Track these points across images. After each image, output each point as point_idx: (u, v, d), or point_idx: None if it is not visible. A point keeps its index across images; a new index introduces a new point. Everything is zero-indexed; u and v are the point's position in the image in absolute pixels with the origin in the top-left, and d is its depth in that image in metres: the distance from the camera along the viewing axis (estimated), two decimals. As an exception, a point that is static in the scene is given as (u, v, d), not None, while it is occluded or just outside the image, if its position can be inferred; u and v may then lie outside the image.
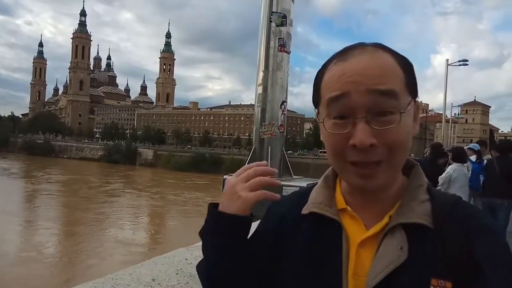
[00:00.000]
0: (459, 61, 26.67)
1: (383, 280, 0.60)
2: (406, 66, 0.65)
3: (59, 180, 46.16)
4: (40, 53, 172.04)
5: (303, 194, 0.75)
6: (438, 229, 0.62)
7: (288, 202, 0.76)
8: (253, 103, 3.20)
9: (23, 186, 40.07)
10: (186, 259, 1.31)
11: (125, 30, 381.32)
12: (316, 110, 0.69)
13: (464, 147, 7.11)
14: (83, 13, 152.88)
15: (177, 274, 1.20)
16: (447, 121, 39.00)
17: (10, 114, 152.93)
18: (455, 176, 5.70)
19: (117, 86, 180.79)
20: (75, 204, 30.20)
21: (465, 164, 5.99)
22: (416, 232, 0.63)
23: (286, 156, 3.12)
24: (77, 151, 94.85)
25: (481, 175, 6.37)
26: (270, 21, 2.92)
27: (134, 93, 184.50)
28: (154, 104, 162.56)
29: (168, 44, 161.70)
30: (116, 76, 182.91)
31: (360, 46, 0.65)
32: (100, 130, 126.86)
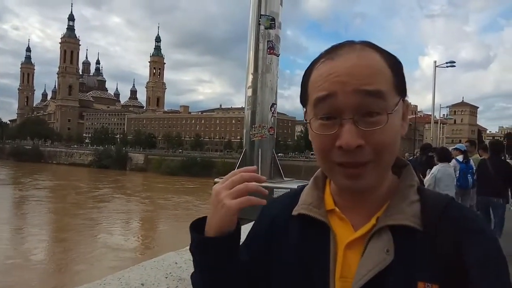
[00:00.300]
0: (446, 62, 26.97)
1: (368, 283, 0.59)
2: (394, 66, 0.64)
3: (48, 186, 45.61)
4: (28, 58, 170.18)
5: (294, 196, 0.75)
6: (427, 231, 0.61)
7: (280, 203, 0.76)
8: (244, 106, 3.20)
9: (11, 192, 39.44)
10: (176, 262, 1.30)
11: (114, 35, 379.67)
12: (304, 110, 0.68)
13: (450, 148, 7.23)
14: (71, 18, 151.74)
15: (166, 278, 1.19)
16: (436, 122, 39.49)
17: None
18: (439, 176, 5.79)
19: (107, 90, 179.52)
20: (64, 210, 29.88)
21: (450, 164, 6.07)
22: (404, 234, 0.61)
23: (276, 158, 3.12)
24: (67, 157, 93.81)
25: (468, 175, 6.52)
26: (259, 24, 2.93)
27: (124, 98, 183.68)
28: (144, 108, 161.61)
29: (157, 48, 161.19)
30: (105, 81, 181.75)
31: (348, 44, 0.64)
32: (90, 135, 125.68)
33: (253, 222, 0.79)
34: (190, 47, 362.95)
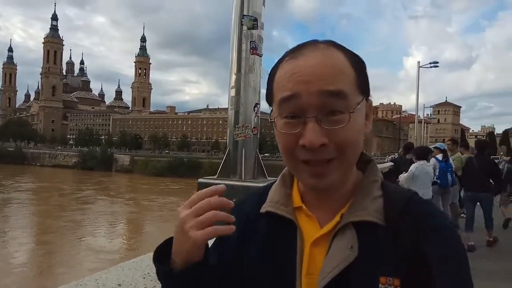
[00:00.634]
0: (430, 63, 27.50)
1: (333, 279, 0.60)
2: (357, 65, 0.65)
3: (30, 188, 44.87)
4: (10, 58, 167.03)
5: (262, 193, 0.75)
6: (389, 226, 0.62)
7: (250, 201, 0.76)
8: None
9: (-9, 195, 38.65)
10: (155, 263, 1.30)
11: (98, 34, 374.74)
12: (270, 108, 0.68)
13: (431, 146, 7.41)
14: (54, 17, 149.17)
15: (144, 278, 1.18)
16: (420, 121, 40.05)
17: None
18: (417, 174, 5.95)
19: (91, 91, 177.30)
20: (46, 212, 29.44)
21: (428, 163, 6.19)
22: (367, 230, 0.63)
23: (260, 158, 3.14)
24: (50, 159, 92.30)
25: (448, 173, 6.70)
26: (242, 25, 2.93)
27: (109, 98, 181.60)
28: (130, 109, 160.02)
29: (143, 48, 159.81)
30: (89, 81, 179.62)
31: (312, 43, 0.65)
32: (74, 137, 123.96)
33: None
34: (175, 47, 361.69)
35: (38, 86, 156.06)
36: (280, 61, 0.66)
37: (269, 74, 0.68)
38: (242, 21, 2.95)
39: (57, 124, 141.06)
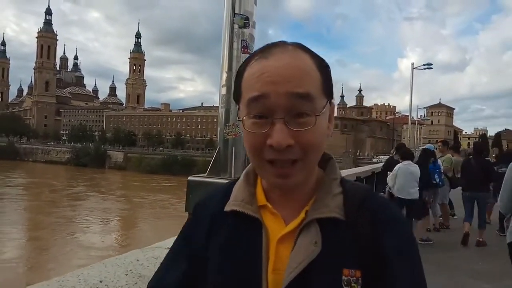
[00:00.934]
0: (424, 64, 27.69)
1: (299, 275, 0.62)
2: (323, 69, 0.67)
3: (22, 184, 44.50)
4: (3, 52, 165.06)
5: (225, 191, 0.75)
6: (349, 221, 0.66)
7: (214, 199, 0.76)
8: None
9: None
10: (138, 260, 1.30)
11: (92, 30, 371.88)
12: (238, 107, 0.69)
13: (420, 148, 7.65)
14: (48, 12, 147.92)
15: (126, 275, 1.18)
16: (413, 122, 40.38)
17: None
18: (399, 174, 6.17)
19: (85, 87, 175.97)
20: (37, 208, 29.31)
21: (413, 163, 6.33)
22: (330, 225, 0.65)
23: (250, 157, 3.14)
24: (43, 154, 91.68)
25: (436, 174, 6.84)
26: (233, 23, 2.94)
27: (103, 94, 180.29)
28: (124, 105, 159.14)
29: (138, 44, 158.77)
30: (83, 77, 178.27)
31: (282, 44, 0.66)
32: (67, 132, 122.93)
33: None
34: (171, 44, 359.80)
35: (31, 81, 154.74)
36: (248, 60, 0.67)
37: (237, 73, 0.68)
38: (233, 20, 2.96)
39: (50, 119, 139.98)
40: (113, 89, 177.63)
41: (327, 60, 0.69)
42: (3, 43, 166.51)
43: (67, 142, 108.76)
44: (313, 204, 0.68)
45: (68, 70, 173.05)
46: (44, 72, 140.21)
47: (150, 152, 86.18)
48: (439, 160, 7.33)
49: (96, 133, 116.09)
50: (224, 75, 3.05)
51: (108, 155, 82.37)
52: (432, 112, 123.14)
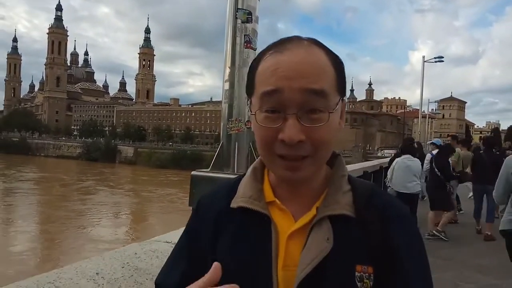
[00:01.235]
0: (435, 57, 27.25)
1: (312, 271, 0.62)
2: (338, 65, 0.67)
3: (33, 178, 45.18)
4: (15, 48, 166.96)
5: (231, 187, 0.75)
6: (359, 218, 0.66)
7: (220, 196, 0.75)
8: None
9: (-5, 185, 39.05)
10: (136, 253, 1.32)
11: (102, 25, 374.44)
12: (249, 100, 0.69)
13: (428, 142, 7.69)
14: (59, 8, 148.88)
15: (122, 267, 1.21)
16: (424, 116, 39.89)
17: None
18: (396, 168, 6.19)
19: (95, 82, 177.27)
20: (48, 202, 29.74)
21: (412, 157, 6.31)
22: (341, 222, 0.66)
23: (253, 151, 3.16)
24: (55, 149, 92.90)
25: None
26: (236, 18, 2.94)
27: (113, 90, 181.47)
28: (134, 100, 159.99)
29: (147, 40, 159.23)
30: (93, 72, 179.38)
31: (297, 39, 0.66)
32: (78, 127, 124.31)
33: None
34: (180, 39, 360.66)
35: (43, 77, 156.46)
36: (263, 54, 0.66)
37: (251, 66, 0.68)
38: (236, 14, 2.96)
39: (61, 115, 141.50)
40: (123, 84, 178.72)
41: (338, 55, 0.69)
42: (15, 40, 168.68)
43: (78, 137, 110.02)
44: (324, 201, 0.68)
45: (79, 65, 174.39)
46: (55, 67, 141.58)
47: (159, 147, 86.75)
48: None
49: (107, 128, 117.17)
50: (227, 70, 3.06)
51: (119, 150, 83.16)
52: (443, 106, 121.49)
